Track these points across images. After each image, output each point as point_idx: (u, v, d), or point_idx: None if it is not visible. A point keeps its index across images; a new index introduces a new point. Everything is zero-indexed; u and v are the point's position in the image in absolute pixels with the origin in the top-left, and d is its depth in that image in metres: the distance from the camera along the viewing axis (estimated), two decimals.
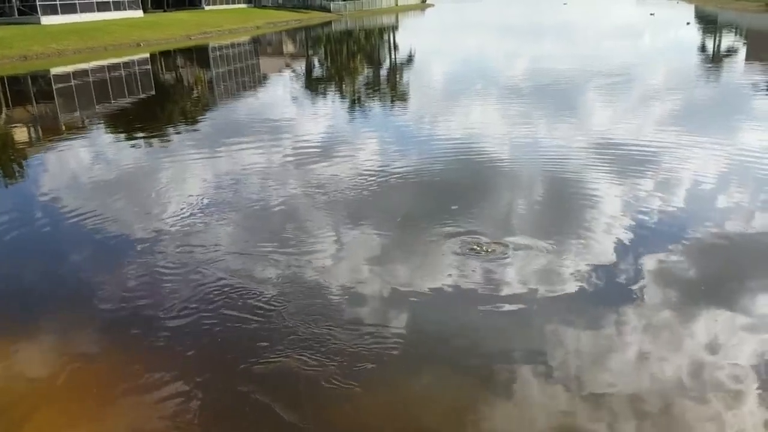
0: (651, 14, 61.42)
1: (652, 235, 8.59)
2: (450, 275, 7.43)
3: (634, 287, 7.10)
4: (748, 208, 9.55)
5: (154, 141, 16.14)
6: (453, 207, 9.66)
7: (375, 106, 20.46)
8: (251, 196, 10.89)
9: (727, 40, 40.27)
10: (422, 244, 8.39)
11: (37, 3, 43.77)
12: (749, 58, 30.62)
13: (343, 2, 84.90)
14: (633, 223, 8.96)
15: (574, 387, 5.46)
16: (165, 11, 59.96)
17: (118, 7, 51.43)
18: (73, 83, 28.44)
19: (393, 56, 37.59)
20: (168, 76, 31.13)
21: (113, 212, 10.29)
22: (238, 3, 72.72)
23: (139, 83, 28.21)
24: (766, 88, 21.21)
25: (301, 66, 35.01)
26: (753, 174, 11.21)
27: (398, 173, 11.76)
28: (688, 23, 52.80)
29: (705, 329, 6.31)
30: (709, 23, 53.99)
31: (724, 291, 7.10)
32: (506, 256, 7.86)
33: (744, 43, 38.23)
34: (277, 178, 11.91)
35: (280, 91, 25.92)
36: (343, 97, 23.34)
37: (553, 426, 5.04)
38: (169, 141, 16.26)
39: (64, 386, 5.80)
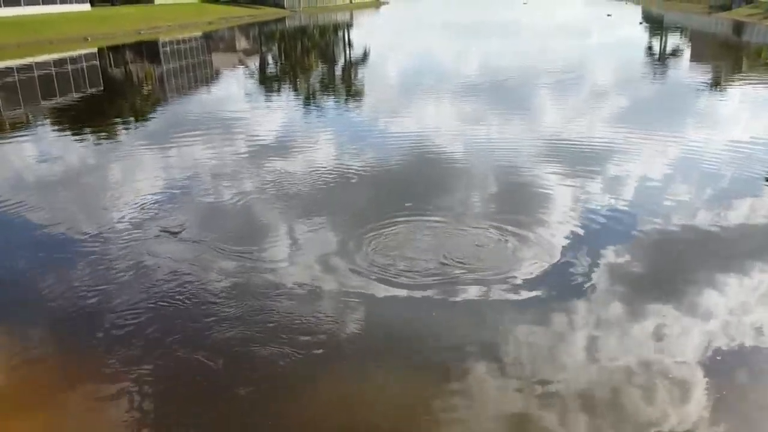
0: (608, 15, 62.69)
1: (598, 227, 8.78)
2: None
3: (572, 278, 7.25)
4: (690, 199, 9.85)
5: (102, 137, 15.74)
6: (407, 204, 9.69)
7: (329, 103, 20.39)
8: (202, 191, 10.73)
9: (674, 40, 41.45)
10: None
11: None
12: (693, 58, 31.59)
13: None
14: (579, 216, 9.14)
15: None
16: (113, 5, 58.50)
17: (64, 0, 49.97)
18: (16, 78, 27.50)
19: (348, 54, 37.49)
20: (117, 72, 30.39)
21: (57, 209, 10.01)
22: None
23: (87, 79, 27.46)
24: (709, 85, 21.94)
25: (254, 62, 34.63)
26: (696, 165, 11.61)
27: (352, 169, 11.75)
28: (641, 23, 54.73)
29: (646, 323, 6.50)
30: (656, 24, 55.42)
31: (664, 283, 7.30)
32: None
33: (688, 45, 39.39)
34: (227, 174, 11.75)
35: (234, 87, 25.59)
36: (297, 93, 23.17)
37: None
38: (117, 137, 15.87)
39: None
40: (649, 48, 36.87)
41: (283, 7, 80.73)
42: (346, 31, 57.91)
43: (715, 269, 7.58)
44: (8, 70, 29.51)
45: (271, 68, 32.52)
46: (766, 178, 11.14)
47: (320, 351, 6.01)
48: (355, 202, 10.05)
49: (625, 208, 9.58)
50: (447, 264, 7.59)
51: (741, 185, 10.70)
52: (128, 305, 6.88)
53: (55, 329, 6.59)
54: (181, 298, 7.00)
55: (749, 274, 7.49)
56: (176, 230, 8.95)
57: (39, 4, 46.81)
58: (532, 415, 5.14)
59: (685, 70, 26.98)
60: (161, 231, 8.92)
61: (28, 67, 30.02)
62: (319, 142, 14.42)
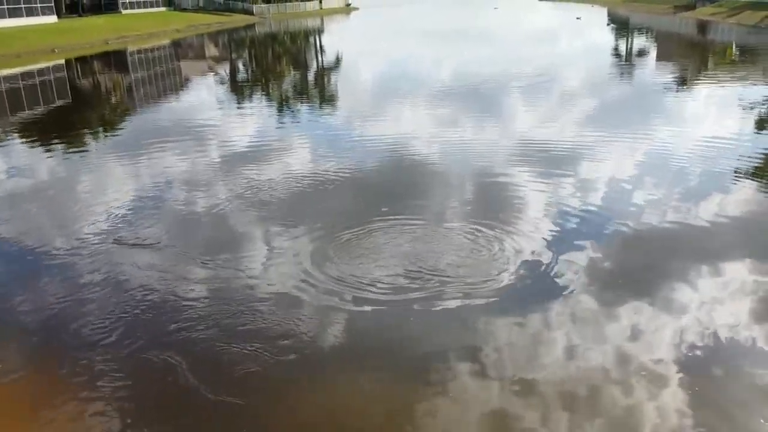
0: (577, 18, 63.44)
1: (575, 227, 8.86)
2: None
3: (550, 279, 7.31)
4: (663, 195, 9.99)
5: (71, 149, 15.50)
6: (383, 209, 9.67)
7: (302, 109, 20.33)
8: (175, 201, 10.62)
9: (641, 41, 42.12)
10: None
11: None
12: (660, 58, 32.10)
13: (266, 5, 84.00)
14: (555, 217, 9.22)
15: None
16: (81, 16, 57.78)
17: (30, 12, 49.17)
18: None
19: (320, 59, 37.45)
20: (85, 83, 30.00)
21: (29, 223, 9.84)
22: (157, 6, 70.78)
23: (55, 91, 27.06)
24: (676, 84, 22.34)
25: (224, 69, 34.42)
26: (667, 162, 11.80)
27: (327, 175, 11.72)
28: (608, 24, 55.80)
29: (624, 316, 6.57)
30: (623, 26, 56.23)
31: (639, 280, 7.39)
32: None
33: (654, 45, 40.03)
34: (199, 182, 11.65)
35: (204, 95, 25.40)
36: (269, 99, 23.08)
37: None
38: (86, 148, 15.67)
39: None
40: (616, 49, 37.41)
41: (252, 13, 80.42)
42: (317, 37, 57.87)
43: (689, 264, 7.69)
44: None
45: (242, 75, 32.34)
46: (734, 171, 11.33)
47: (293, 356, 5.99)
48: (331, 207, 10.01)
49: (600, 207, 9.67)
50: (421, 269, 7.59)
51: (711, 180, 10.87)
52: (101, 314, 6.78)
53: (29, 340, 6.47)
54: (153, 303, 6.92)
55: (721, 268, 7.61)
56: (133, 241, 8.83)
57: (5, 17, 46.05)
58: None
59: (652, 70, 27.38)
60: (114, 241, 8.82)
61: None
62: (292, 147, 14.35)
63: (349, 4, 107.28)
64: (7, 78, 30.22)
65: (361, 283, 7.28)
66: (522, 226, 8.89)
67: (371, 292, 7.09)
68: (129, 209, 10.29)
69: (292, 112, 19.93)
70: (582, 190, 10.50)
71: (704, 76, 24.68)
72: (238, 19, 74.38)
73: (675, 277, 7.39)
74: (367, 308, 6.82)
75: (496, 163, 12.36)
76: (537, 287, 7.18)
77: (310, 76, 29.51)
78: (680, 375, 5.58)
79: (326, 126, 17.29)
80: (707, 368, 5.72)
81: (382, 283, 7.27)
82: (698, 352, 5.91)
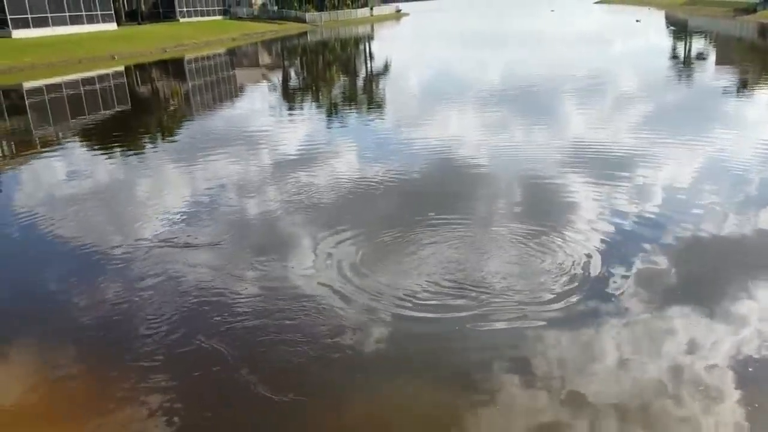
0: (637, 21, 62.18)
1: (632, 238, 8.65)
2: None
3: (606, 297, 7.15)
4: (724, 202, 9.68)
5: (131, 154, 16.00)
6: (430, 213, 9.66)
7: (352, 116, 20.47)
8: (231, 206, 10.83)
9: (700, 44, 41.00)
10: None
11: (8, 16, 43.23)
12: (719, 61, 31.21)
13: (318, 13, 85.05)
14: (609, 229, 9.02)
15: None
16: (139, 24, 59.56)
17: (91, 20, 50.95)
18: (46, 97, 28.07)
19: (369, 66, 37.69)
20: (143, 89, 30.89)
21: (93, 226, 10.18)
22: (214, 15, 72.45)
23: (114, 97, 27.94)
24: (736, 88, 21.69)
25: (277, 77, 34.96)
26: (728, 167, 11.43)
27: (375, 180, 11.78)
28: (668, 27, 54.74)
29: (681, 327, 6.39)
30: (682, 29, 54.87)
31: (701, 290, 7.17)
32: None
33: (713, 48, 38.93)
34: (256, 187, 11.87)
35: (258, 102, 25.84)
36: (319, 106, 23.34)
37: None
38: (145, 154, 16.13)
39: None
40: (678, 52, 36.52)
41: (304, 21, 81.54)
42: (367, 43, 58.24)
43: (750, 275, 7.43)
44: (38, 90, 30.17)
45: (294, 82, 32.78)
46: None
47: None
48: (380, 212, 10.05)
49: (657, 214, 9.42)
50: (468, 279, 7.54)
51: None
52: (158, 311, 6.97)
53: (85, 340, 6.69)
54: (210, 297, 7.07)
55: None
56: (188, 241, 9.05)
57: (67, 24, 47.81)
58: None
59: (711, 74, 26.61)
60: (169, 241, 9.02)
61: (57, 86, 30.63)
62: (340, 153, 14.47)
63: (400, 10, 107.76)
64: (68, 84, 31.35)
65: (407, 287, 7.29)
66: (575, 234, 8.74)
67: (417, 296, 7.09)
68: (184, 211, 10.55)
69: (341, 117, 20.10)
70: (638, 196, 10.25)
71: (765, 81, 23.84)
72: (291, 27, 75.51)
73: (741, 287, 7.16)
74: (412, 312, 6.81)
75: (556, 166, 12.17)
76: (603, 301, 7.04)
77: (360, 83, 29.71)
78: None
79: (374, 131, 17.38)
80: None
81: (428, 290, 7.25)
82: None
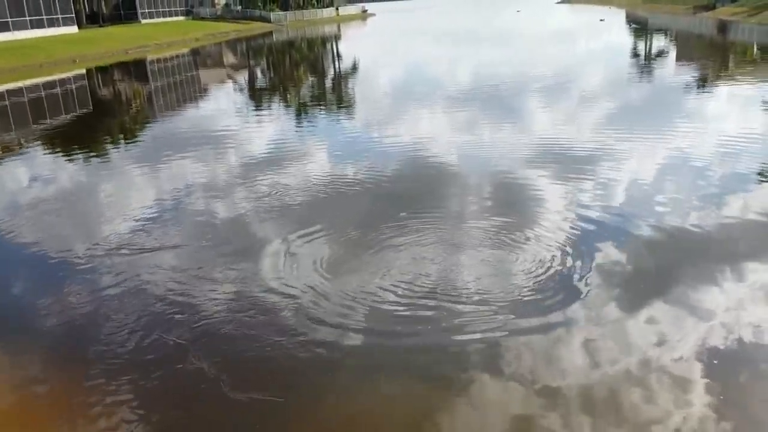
0: (601, 20, 63.04)
1: (600, 230, 8.75)
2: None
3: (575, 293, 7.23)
4: (686, 196, 9.86)
5: (93, 158, 15.71)
6: (401, 214, 9.66)
7: (320, 115, 20.38)
8: (197, 208, 10.69)
9: (665, 42, 41.78)
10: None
11: None
12: (679, 58, 31.82)
13: (284, 12, 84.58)
14: (577, 223, 9.12)
15: None
16: (101, 26, 58.53)
17: (52, 23, 49.91)
18: (7, 102, 27.42)
19: (337, 66, 37.60)
20: (105, 92, 30.37)
21: (55, 231, 9.97)
22: (176, 16, 71.58)
23: (76, 100, 27.43)
24: (696, 84, 22.14)
25: (243, 77, 34.67)
26: (689, 161, 11.64)
27: (346, 181, 11.74)
28: (629, 25, 55.74)
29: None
30: (642, 27, 55.85)
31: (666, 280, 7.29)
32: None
33: (673, 45, 39.69)
34: (222, 189, 11.74)
35: (222, 102, 25.59)
36: (287, 106, 23.20)
37: None
38: (108, 157, 15.86)
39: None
40: (640, 50, 37.14)
41: (269, 21, 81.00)
42: (334, 43, 58.10)
43: (711, 267, 7.58)
44: None
45: (260, 82, 32.54)
46: (758, 173, 11.18)
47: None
48: (350, 212, 10.02)
49: (621, 209, 9.56)
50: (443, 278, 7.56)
51: (734, 181, 10.72)
52: (126, 315, 6.83)
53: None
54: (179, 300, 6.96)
55: (745, 272, 7.48)
56: (153, 245, 8.91)
57: (27, 28, 46.78)
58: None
59: (671, 70, 27.12)
60: (133, 246, 8.88)
61: (18, 91, 29.95)
62: (310, 153, 14.40)
63: (366, 11, 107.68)
64: (29, 88, 30.69)
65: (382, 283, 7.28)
66: (544, 230, 8.82)
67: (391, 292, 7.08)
68: (148, 216, 10.38)
69: (310, 118, 20.01)
70: (603, 192, 10.39)
71: (725, 76, 24.38)
72: (255, 27, 74.96)
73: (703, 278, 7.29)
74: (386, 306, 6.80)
75: (521, 165, 12.26)
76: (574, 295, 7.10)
77: (327, 83, 29.63)
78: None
79: (343, 131, 17.34)
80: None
81: (401, 287, 7.25)
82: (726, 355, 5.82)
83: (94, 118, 22.98)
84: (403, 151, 14.03)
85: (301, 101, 23.98)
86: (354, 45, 55.61)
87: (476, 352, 6.02)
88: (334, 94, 25.45)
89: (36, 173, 14.22)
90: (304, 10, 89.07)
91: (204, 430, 5.26)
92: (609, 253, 8.01)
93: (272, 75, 35.54)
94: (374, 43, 56.61)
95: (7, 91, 30.06)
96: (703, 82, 22.63)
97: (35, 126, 21.18)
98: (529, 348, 6.02)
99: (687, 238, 8.50)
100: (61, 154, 16.53)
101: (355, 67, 35.05)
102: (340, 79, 30.67)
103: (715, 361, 5.70)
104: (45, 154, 16.80)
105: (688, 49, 37.41)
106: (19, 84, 31.74)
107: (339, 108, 21.81)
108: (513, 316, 6.49)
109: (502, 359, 5.87)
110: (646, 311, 6.59)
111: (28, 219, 10.72)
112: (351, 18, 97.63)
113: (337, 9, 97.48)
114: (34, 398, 5.80)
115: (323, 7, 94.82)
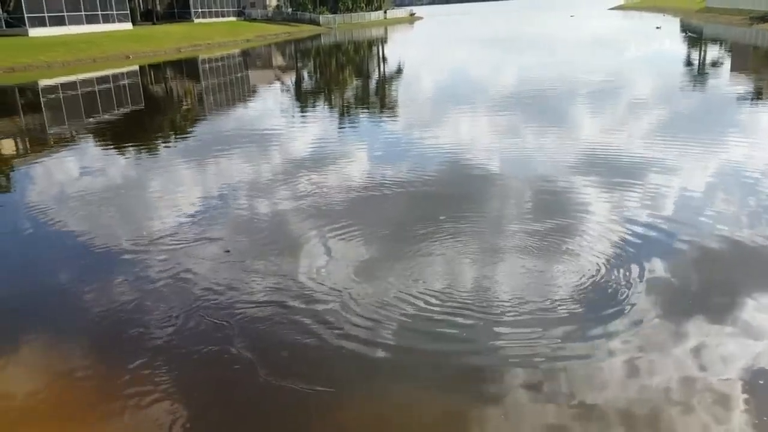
0: (657, 28, 61.73)
1: (649, 245, 8.57)
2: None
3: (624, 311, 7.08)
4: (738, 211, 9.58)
5: (144, 153, 16.09)
6: (441, 217, 9.63)
7: (364, 117, 20.48)
8: (242, 207, 10.84)
9: (720, 51, 40.72)
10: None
11: (25, 15, 43.70)
12: (734, 68, 30.97)
13: (333, 15, 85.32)
14: (622, 237, 8.94)
15: None
16: (154, 24, 59.97)
17: (107, 19, 51.40)
18: (61, 95, 28.30)
19: (382, 68, 37.74)
20: (157, 89, 31.07)
21: (106, 225, 10.24)
22: (228, 17, 72.91)
23: (128, 95, 28.13)
24: (751, 96, 21.51)
25: (291, 78, 35.07)
26: (741, 175, 11.30)
27: (388, 184, 11.76)
28: (685, 34, 54.60)
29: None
30: (697, 35, 54.57)
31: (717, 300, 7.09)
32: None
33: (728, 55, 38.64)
34: (267, 188, 11.88)
35: (270, 103, 25.93)
36: (332, 108, 23.38)
37: None
38: (157, 152, 16.22)
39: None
40: (695, 59, 36.29)
41: (318, 24, 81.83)
42: (380, 46, 58.29)
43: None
44: (53, 88, 30.42)
45: (307, 84, 32.86)
46: None
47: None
48: (391, 214, 10.03)
49: (670, 222, 9.34)
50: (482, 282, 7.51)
51: None
52: (167, 311, 6.97)
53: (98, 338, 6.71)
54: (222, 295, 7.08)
55: None
56: (199, 239, 9.07)
57: (83, 23, 48.25)
58: None
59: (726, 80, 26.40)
60: (182, 239, 9.03)
61: (71, 85, 30.87)
62: (352, 154, 14.48)
63: (413, 14, 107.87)
64: (83, 82, 31.61)
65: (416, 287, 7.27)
66: (587, 241, 8.68)
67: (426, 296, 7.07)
68: (196, 210, 10.58)
69: (353, 119, 20.11)
70: (652, 203, 10.16)
71: None
72: (304, 30, 75.82)
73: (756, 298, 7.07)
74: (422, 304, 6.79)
75: (573, 172, 12.08)
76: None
77: (372, 85, 29.74)
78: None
79: (389, 134, 17.36)
80: None
81: (439, 291, 7.23)
82: None
83: (145, 114, 23.53)
84: (443, 154, 13.98)
85: (345, 103, 24.13)
86: (401, 48, 55.63)
87: (513, 360, 5.97)
88: (378, 96, 25.53)
89: (86, 165, 14.64)
90: (352, 13, 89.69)
91: (243, 413, 5.34)
92: (657, 267, 7.81)
93: (319, 77, 35.85)
94: (422, 47, 56.50)
95: (61, 84, 31.03)
96: (757, 95, 21.98)
97: (88, 119, 21.80)
98: (569, 368, 5.91)
99: (738, 253, 8.25)
100: (112, 147, 16.98)
101: (399, 70, 35.10)
102: (385, 81, 30.75)
103: None
104: (96, 146, 17.29)
105: (743, 59, 36.39)
106: (72, 78, 32.69)
107: (382, 110, 21.87)
108: (552, 329, 6.41)
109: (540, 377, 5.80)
110: (698, 330, 6.43)
111: (76, 209, 11.05)
112: (398, 21, 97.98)
113: (385, 12, 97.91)
114: (79, 380, 5.97)
115: (372, 10, 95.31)
